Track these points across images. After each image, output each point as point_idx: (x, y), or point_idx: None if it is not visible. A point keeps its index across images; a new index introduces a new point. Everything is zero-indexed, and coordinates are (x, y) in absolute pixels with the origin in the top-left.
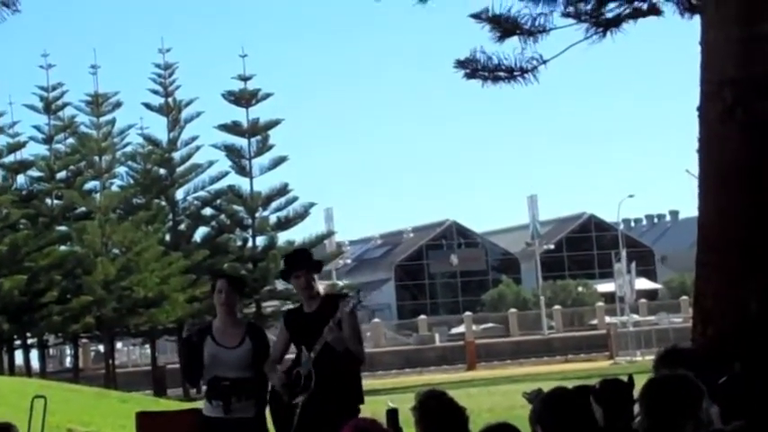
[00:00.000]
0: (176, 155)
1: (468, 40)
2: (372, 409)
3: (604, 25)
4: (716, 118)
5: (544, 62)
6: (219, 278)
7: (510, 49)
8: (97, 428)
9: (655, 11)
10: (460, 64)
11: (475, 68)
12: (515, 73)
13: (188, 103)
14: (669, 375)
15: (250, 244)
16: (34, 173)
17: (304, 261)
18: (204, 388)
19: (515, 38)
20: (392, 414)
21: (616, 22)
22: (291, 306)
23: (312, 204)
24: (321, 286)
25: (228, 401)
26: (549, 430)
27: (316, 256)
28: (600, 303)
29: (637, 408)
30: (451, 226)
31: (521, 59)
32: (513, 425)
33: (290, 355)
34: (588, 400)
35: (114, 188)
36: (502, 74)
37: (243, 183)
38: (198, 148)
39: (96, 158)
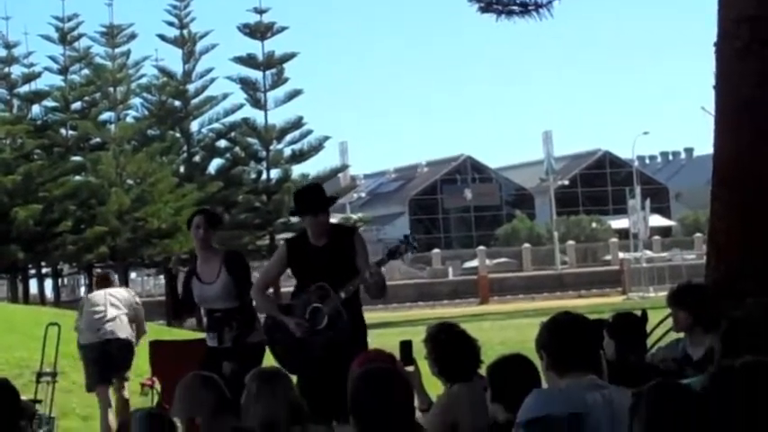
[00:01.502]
0: (191, 87)
1: None
2: (384, 341)
3: None
4: (733, 55)
5: None
6: (196, 214)
7: None
8: None
9: None
10: None
11: (489, 2)
12: (530, 7)
13: (203, 36)
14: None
15: (264, 176)
16: (49, 103)
17: (322, 202)
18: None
19: None
20: (406, 346)
21: None
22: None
23: (326, 138)
24: (338, 217)
25: (221, 332)
26: (552, 356)
27: (329, 190)
28: (613, 239)
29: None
30: (466, 161)
31: None
32: (526, 355)
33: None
34: (597, 331)
35: (129, 119)
36: (516, 8)
37: (257, 115)
38: (213, 80)
39: (111, 89)
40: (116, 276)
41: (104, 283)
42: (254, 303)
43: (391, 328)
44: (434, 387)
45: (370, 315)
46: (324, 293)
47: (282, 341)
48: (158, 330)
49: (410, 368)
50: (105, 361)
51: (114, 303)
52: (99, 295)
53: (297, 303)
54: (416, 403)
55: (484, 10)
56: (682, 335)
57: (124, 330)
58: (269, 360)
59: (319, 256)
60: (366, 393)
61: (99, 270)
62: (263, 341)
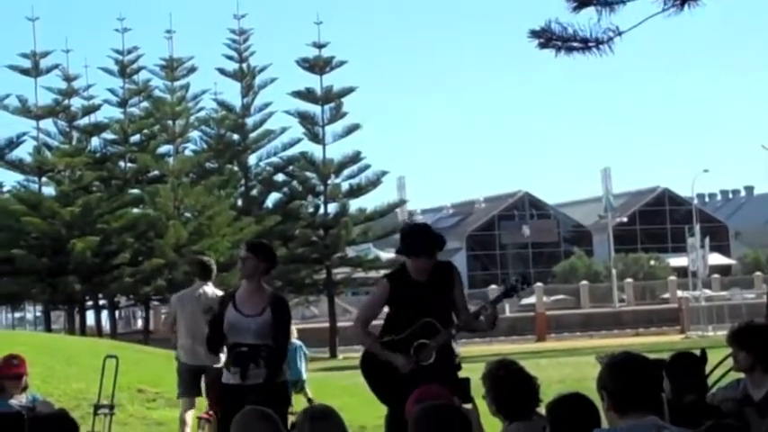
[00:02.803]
0: (249, 120)
1: (543, 9)
2: None
3: None
4: None
5: (620, 33)
6: (244, 246)
7: (585, 20)
8: (168, 389)
9: None
10: (534, 34)
11: (549, 38)
12: (590, 44)
13: (262, 70)
14: None
15: (321, 211)
16: (108, 135)
17: (436, 244)
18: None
19: (591, 8)
20: (463, 383)
21: None
22: (387, 271)
23: (384, 172)
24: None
25: (246, 368)
26: (613, 396)
27: (386, 225)
28: (672, 277)
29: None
30: (524, 197)
31: (596, 30)
32: (585, 395)
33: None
34: (657, 370)
35: (187, 152)
36: (576, 44)
37: (315, 149)
38: (271, 114)
39: (170, 122)
40: None
41: None
42: (357, 339)
43: None
44: (491, 427)
45: None
46: (431, 329)
47: (382, 375)
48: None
49: (468, 405)
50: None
51: None
52: None
53: (401, 339)
54: None
55: (543, 46)
56: (742, 375)
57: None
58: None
59: (422, 293)
60: (427, 430)
61: None
62: (287, 382)
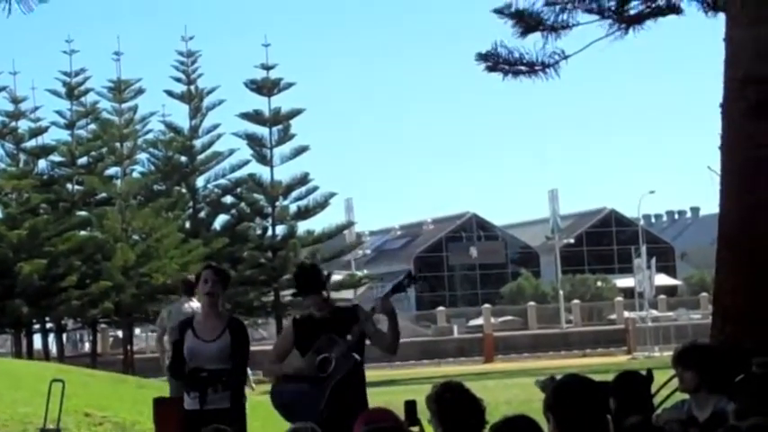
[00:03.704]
0: (197, 142)
1: (490, 32)
2: (389, 399)
3: (627, 22)
4: (739, 115)
5: (565, 57)
6: (205, 269)
7: (531, 44)
8: (114, 413)
9: (676, 9)
10: (482, 57)
11: (496, 62)
12: (536, 67)
13: (210, 91)
14: None
15: (270, 233)
16: (56, 158)
17: (319, 283)
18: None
19: (538, 33)
20: (410, 405)
21: (638, 19)
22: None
23: (332, 194)
24: (342, 274)
25: (204, 393)
26: (559, 420)
27: (335, 247)
28: (619, 298)
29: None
30: (471, 218)
31: (542, 54)
32: (531, 417)
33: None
34: (603, 393)
35: (135, 174)
36: (523, 68)
37: (263, 171)
38: (219, 136)
39: (118, 145)
40: None
41: None
42: (269, 373)
43: (395, 386)
44: None
45: (375, 373)
46: (331, 342)
47: (290, 397)
48: (162, 387)
49: (414, 429)
50: None
51: None
52: None
53: (307, 358)
54: None
55: (491, 69)
56: (687, 396)
57: None
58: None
59: (324, 323)
60: None
61: None
62: (245, 406)
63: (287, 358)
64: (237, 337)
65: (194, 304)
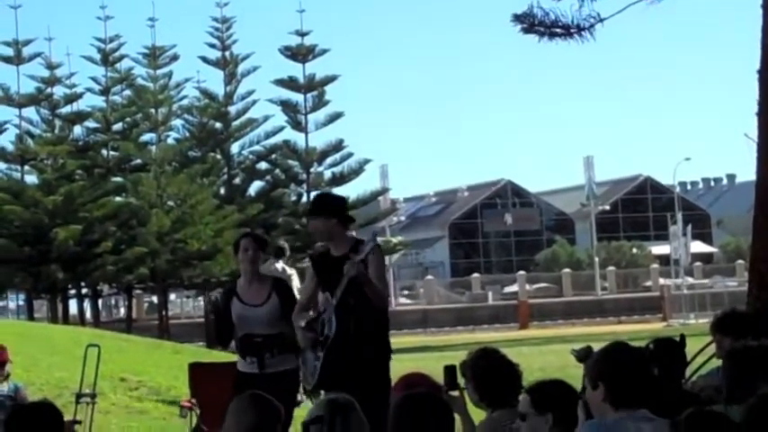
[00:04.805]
0: (232, 109)
1: None
2: (424, 365)
3: None
4: None
5: (601, 20)
6: (244, 237)
7: (567, 6)
8: (150, 378)
9: None
10: (517, 18)
11: (532, 23)
12: (572, 30)
13: (245, 58)
14: (750, 345)
15: (304, 199)
16: (91, 124)
17: (319, 207)
18: (234, 344)
19: None
20: (450, 370)
21: None
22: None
23: (367, 161)
24: (354, 232)
25: (262, 357)
26: (612, 390)
27: (370, 213)
28: (654, 265)
29: (689, 369)
30: (506, 185)
31: (578, 17)
32: (566, 381)
33: None
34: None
35: (170, 141)
36: (558, 30)
37: (298, 138)
38: (254, 102)
39: (152, 111)
40: None
41: None
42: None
43: (431, 353)
44: (479, 413)
45: (409, 339)
46: (327, 303)
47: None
48: (197, 352)
49: (455, 393)
50: None
51: None
52: None
53: (315, 319)
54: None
55: (527, 31)
56: (721, 363)
57: None
58: None
59: (337, 265)
60: (406, 419)
61: None
62: (298, 369)
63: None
64: (286, 298)
65: (279, 265)
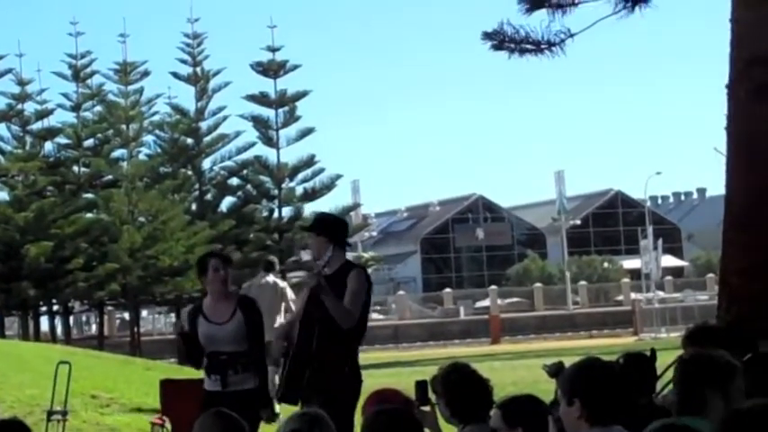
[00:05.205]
0: (203, 124)
1: (496, 11)
2: (396, 380)
3: (633, 0)
4: (745, 96)
5: (571, 36)
6: (212, 257)
7: (537, 22)
8: (122, 395)
9: None
10: (487, 36)
11: (502, 40)
12: (542, 46)
13: (216, 73)
14: (700, 353)
15: (276, 215)
16: (62, 140)
17: (313, 224)
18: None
19: (543, 11)
20: (421, 385)
21: None
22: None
23: (338, 176)
24: (349, 255)
25: (225, 375)
26: (588, 406)
27: None
28: (625, 280)
29: (659, 383)
30: (478, 200)
31: (548, 33)
32: (538, 396)
33: None
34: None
35: (141, 157)
36: (529, 46)
37: (270, 153)
38: (225, 118)
39: (124, 127)
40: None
41: None
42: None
43: (402, 368)
44: (450, 429)
45: (382, 354)
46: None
47: None
48: (169, 369)
49: (426, 408)
50: None
51: None
52: None
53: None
54: None
55: (497, 48)
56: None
57: None
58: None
59: (329, 285)
60: None
61: None
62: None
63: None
64: (250, 316)
65: (270, 279)
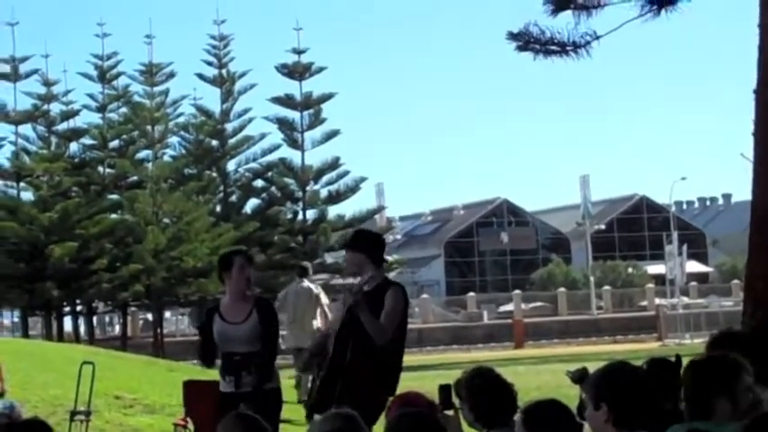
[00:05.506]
0: (229, 126)
1: (522, 14)
2: (420, 384)
3: (659, 3)
4: None
5: (597, 38)
6: (237, 255)
7: (563, 24)
8: (145, 396)
9: None
10: (513, 36)
11: (527, 41)
12: (568, 48)
13: (241, 75)
14: (705, 356)
15: (300, 217)
16: (87, 141)
17: (351, 241)
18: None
19: (569, 12)
20: (445, 389)
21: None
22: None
23: (363, 179)
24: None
25: (239, 376)
26: (617, 411)
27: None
28: (650, 285)
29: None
30: (502, 204)
31: (574, 34)
32: (562, 401)
33: None
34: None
35: (166, 158)
36: (554, 48)
37: (294, 156)
38: (250, 120)
39: (149, 128)
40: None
41: None
42: (281, 346)
43: (426, 371)
44: None
45: (405, 358)
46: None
47: None
48: (192, 370)
49: (450, 412)
50: None
51: None
52: None
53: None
54: None
55: (522, 49)
56: None
57: None
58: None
59: (367, 302)
60: None
61: None
62: (279, 388)
63: None
64: (265, 317)
65: (305, 284)
